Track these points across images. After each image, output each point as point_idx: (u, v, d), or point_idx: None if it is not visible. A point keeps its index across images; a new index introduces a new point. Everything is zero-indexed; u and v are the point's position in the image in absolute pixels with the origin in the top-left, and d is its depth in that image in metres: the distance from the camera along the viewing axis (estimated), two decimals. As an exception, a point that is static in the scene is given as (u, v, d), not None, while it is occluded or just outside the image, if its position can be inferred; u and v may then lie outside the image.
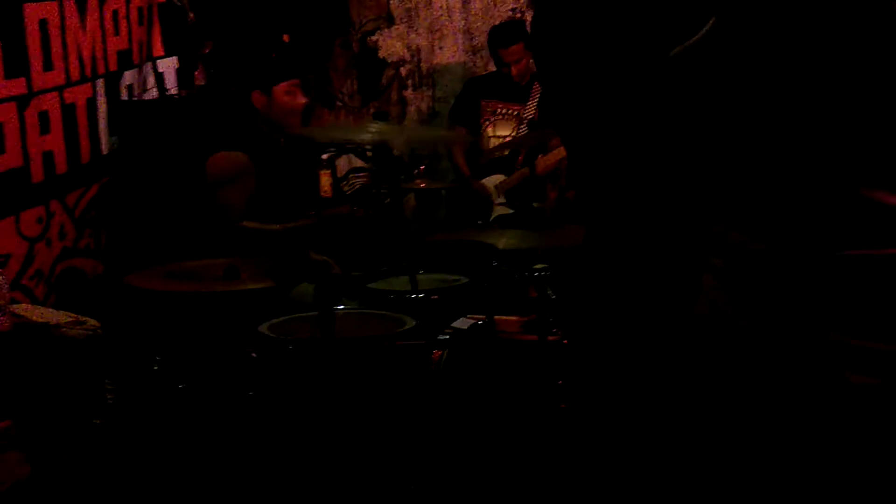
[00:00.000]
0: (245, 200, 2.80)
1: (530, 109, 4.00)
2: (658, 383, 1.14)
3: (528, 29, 4.15)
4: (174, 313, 2.42)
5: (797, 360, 0.82)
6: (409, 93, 4.86)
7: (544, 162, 3.76)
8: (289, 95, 2.94)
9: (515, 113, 4.05)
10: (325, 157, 4.14)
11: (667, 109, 1.07)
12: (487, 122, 4.12)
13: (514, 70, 3.93)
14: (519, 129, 4.03)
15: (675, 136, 1.08)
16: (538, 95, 3.98)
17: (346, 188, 4.28)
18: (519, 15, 4.53)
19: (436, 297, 2.66)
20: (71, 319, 2.42)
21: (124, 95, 3.28)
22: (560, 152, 3.67)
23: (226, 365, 2.22)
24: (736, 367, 0.87)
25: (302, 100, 2.97)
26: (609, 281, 1.18)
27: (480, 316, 2.48)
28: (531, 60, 4.01)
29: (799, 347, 0.82)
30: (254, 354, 2.16)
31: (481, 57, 4.65)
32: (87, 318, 2.44)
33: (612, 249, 1.18)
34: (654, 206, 1.14)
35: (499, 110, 4.08)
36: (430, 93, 4.82)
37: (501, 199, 3.94)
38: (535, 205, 2.97)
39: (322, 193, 4.24)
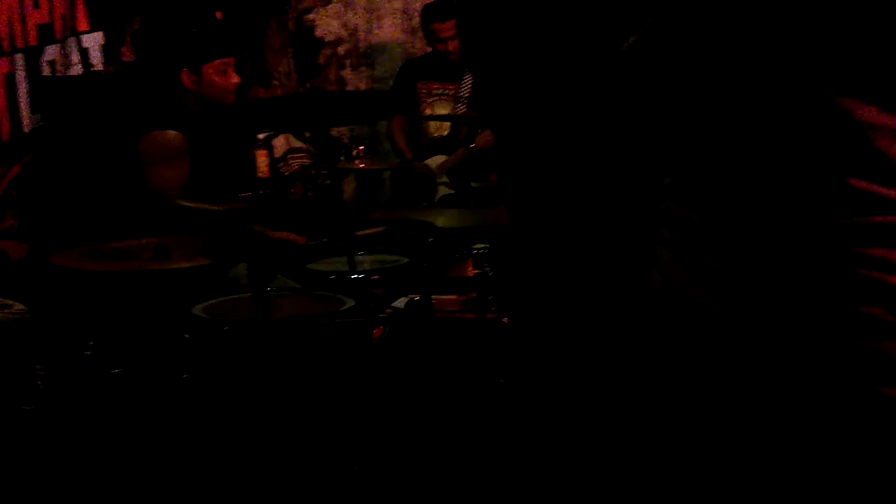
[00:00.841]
0: (180, 181, 2.73)
1: (465, 88, 4.02)
2: (612, 360, 1.15)
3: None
4: (103, 294, 2.35)
5: (756, 332, 0.83)
6: (346, 72, 4.81)
7: (484, 139, 3.79)
8: (220, 75, 2.86)
9: (451, 92, 4.06)
10: (261, 136, 4.07)
11: (607, 94, 1.08)
12: (425, 104, 4.12)
13: (450, 46, 3.94)
14: (456, 107, 4.04)
15: (616, 114, 1.09)
16: (471, 73, 4.00)
17: (283, 169, 4.22)
18: (457, -5, 4.51)
19: (376, 276, 2.65)
20: (-4, 303, 2.33)
21: (46, 72, 3.16)
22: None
23: (159, 348, 2.17)
24: (692, 340, 0.88)
25: (234, 79, 2.89)
26: (551, 260, 1.19)
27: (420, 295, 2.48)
28: None
29: (759, 321, 0.83)
30: (186, 336, 2.11)
31: (420, 37, 4.62)
32: (13, 302, 2.36)
33: (552, 230, 1.19)
34: (593, 186, 1.16)
35: (434, 91, 4.09)
36: (368, 72, 4.78)
37: (444, 179, 3.95)
38: (473, 184, 2.98)
39: (259, 174, 4.17)
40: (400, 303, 2.56)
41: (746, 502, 0.86)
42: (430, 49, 4.19)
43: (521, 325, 1.28)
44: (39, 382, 2.30)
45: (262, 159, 4.19)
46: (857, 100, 0.78)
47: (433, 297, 2.44)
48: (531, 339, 1.23)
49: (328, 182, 3.85)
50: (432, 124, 4.11)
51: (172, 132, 2.75)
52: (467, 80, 4.02)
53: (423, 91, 4.11)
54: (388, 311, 2.47)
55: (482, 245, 2.73)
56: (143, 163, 2.74)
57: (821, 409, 0.81)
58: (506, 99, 1.21)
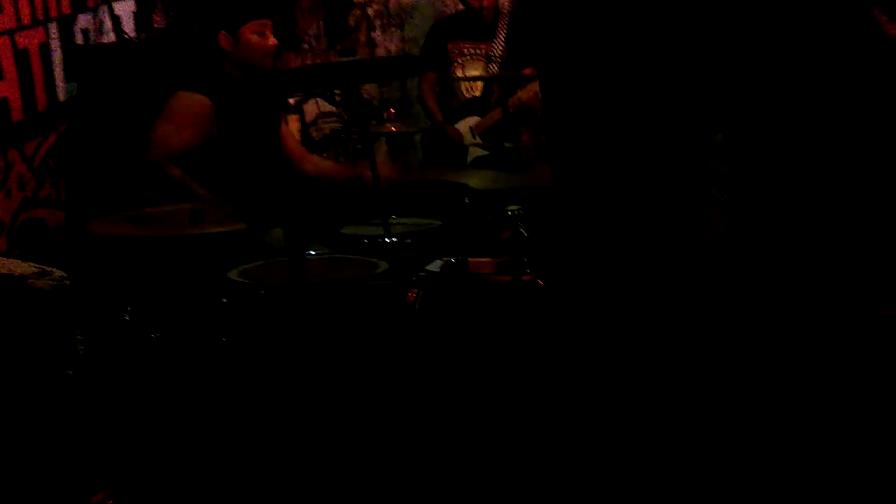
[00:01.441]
0: (179, 145, 2.71)
1: (498, 47, 3.95)
2: (660, 321, 1.13)
3: None
4: (141, 260, 2.37)
5: (803, 289, 0.82)
6: (377, 34, 4.75)
7: (517, 100, 3.72)
8: (258, 37, 2.83)
9: (483, 52, 4.00)
10: (292, 101, 4.05)
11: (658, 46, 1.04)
12: (456, 64, 4.06)
13: (485, 2, 3.87)
14: (488, 67, 3.98)
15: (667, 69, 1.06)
16: (504, 32, 3.94)
17: (314, 133, 4.21)
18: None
19: (409, 240, 2.63)
20: (36, 270, 2.36)
21: (79, 40, 3.16)
22: (532, 89, 3.64)
23: (197, 312, 2.18)
24: (741, 297, 0.87)
25: (272, 41, 2.86)
26: (601, 220, 1.17)
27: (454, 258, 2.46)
28: None
29: (804, 278, 0.81)
30: (224, 300, 2.12)
31: (451, -3, 4.54)
32: (53, 269, 2.38)
33: (602, 191, 1.16)
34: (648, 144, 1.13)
35: (466, 50, 4.03)
36: (399, 34, 4.71)
37: (477, 141, 3.91)
38: (507, 145, 2.93)
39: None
40: (435, 266, 2.55)
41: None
42: (461, 8, 4.11)
43: (567, 288, 1.26)
44: (80, 348, 2.34)
45: (293, 124, 4.18)
46: None
47: (468, 258, 2.42)
48: (577, 302, 1.21)
49: (359, 147, 3.82)
50: (464, 85, 4.06)
51: (199, 96, 2.74)
52: (500, 39, 3.95)
53: (454, 51, 4.04)
54: (422, 273, 2.46)
55: (516, 206, 2.69)
56: (160, 119, 2.73)
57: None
58: (560, 52, 1.18)
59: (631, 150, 1.16)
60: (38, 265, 2.37)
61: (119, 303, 2.33)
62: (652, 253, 1.12)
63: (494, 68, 3.95)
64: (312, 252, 2.47)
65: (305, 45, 4.73)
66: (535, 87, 3.67)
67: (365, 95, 4.57)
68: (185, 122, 2.72)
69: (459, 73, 4.05)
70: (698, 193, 0.96)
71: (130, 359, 2.29)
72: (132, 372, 2.27)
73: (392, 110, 3.83)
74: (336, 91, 4.15)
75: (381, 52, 4.76)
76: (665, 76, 1.08)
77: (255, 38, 2.81)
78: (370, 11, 4.73)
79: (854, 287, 0.80)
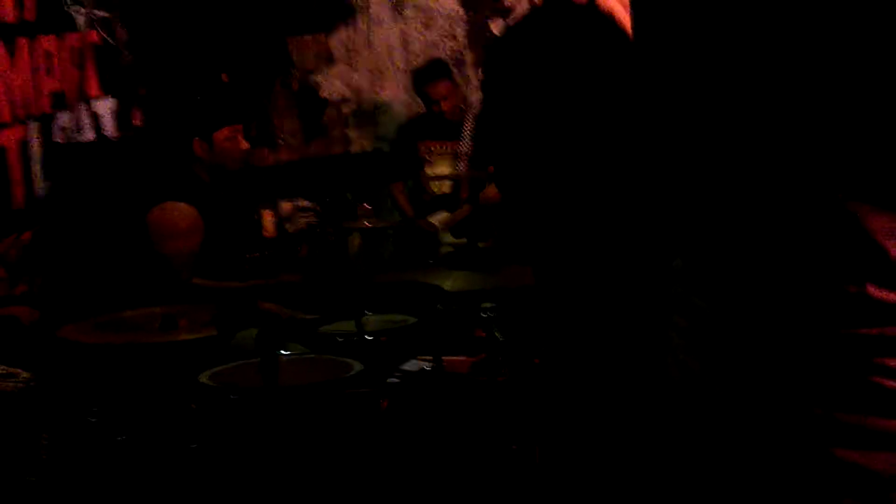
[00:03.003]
0: (190, 253, 2.75)
1: (465, 144, 4.09)
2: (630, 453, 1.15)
3: (455, 66, 4.24)
4: (111, 365, 2.34)
5: (776, 431, 0.83)
6: (351, 131, 4.86)
7: (486, 196, 3.82)
8: (230, 141, 2.91)
9: (450, 150, 4.13)
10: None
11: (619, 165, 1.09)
12: (426, 162, 4.18)
13: (444, 106, 4.02)
14: (456, 164, 4.11)
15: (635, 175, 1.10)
16: (471, 130, 4.09)
17: (289, 228, 4.24)
18: (459, 55, 4.60)
19: (384, 338, 2.63)
20: (2, 372, 2.32)
21: (59, 138, 3.20)
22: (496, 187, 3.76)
23: (166, 417, 2.14)
24: (712, 434, 0.88)
25: (244, 145, 2.94)
26: (570, 335, 1.19)
27: (429, 357, 2.46)
28: (459, 95, 4.12)
29: (777, 419, 0.83)
30: (193, 406, 2.09)
31: (423, 95, 4.69)
32: (20, 370, 2.34)
33: (572, 298, 1.19)
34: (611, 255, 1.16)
35: (434, 149, 4.16)
36: (372, 130, 4.83)
37: (448, 236, 3.98)
38: (480, 245, 2.98)
39: (265, 233, 4.19)
40: (410, 365, 2.54)
41: None
42: (432, 107, 4.25)
43: (548, 392, 1.27)
44: (44, 454, 2.27)
45: (268, 218, 4.21)
46: (868, 205, 0.78)
47: (443, 358, 2.42)
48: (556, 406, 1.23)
49: (333, 239, 3.86)
50: (433, 183, 4.18)
51: (183, 204, 2.77)
52: (466, 136, 4.09)
53: (424, 150, 4.18)
54: (397, 374, 2.45)
55: (489, 304, 2.71)
56: (154, 234, 2.76)
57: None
58: (521, 169, 1.22)
59: (595, 268, 1.19)
60: (4, 366, 2.33)
61: (86, 405, 2.29)
62: (618, 378, 1.14)
63: (462, 165, 4.07)
64: (285, 352, 2.46)
65: (281, 142, 4.82)
66: (494, 186, 3.80)
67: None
68: (186, 231, 2.75)
69: (429, 171, 4.17)
70: (661, 317, 0.98)
71: (95, 463, 2.23)
72: (96, 477, 2.21)
73: (366, 205, 3.89)
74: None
75: (355, 148, 4.86)
76: (622, 202, 1.13)
77: (228, 143, 2.89)
78: (344, 110, 4.86)
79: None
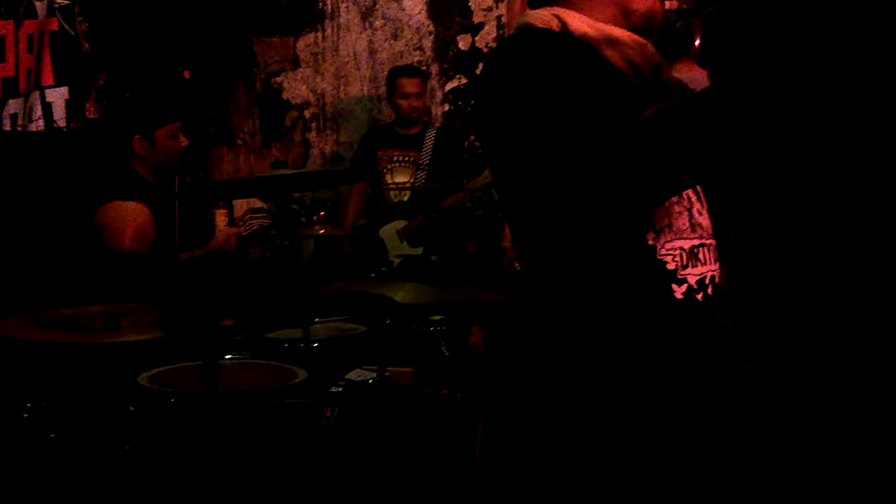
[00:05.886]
0: (149, 248, 2.71)
1: (426, 155, 4.12)
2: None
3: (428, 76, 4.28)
4: (49, 362, 2.28)
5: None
6: (312, 135, 4.84)
7: (444, 205, 3.87)
8: (171, 139, 2.89)
9: (412, 159, 4.15)
10: (222, 196, 4.05)
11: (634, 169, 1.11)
12: (386, 171, 4.19)
13: (412, 103, 4.05)
14: (416, 174, 4.12)
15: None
16: (432, 142, 4.11)
17: (242, 229, 4.19)
18: (425, 67, 4.61)
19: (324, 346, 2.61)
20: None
21: (7, 125, 3.13)
22: (457, 196, 3.82)
23: (102, 417, 2.10)
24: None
25: (184, 142, 2.93)
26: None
27: (374, 367, 2.45)
28: (424, 103, 4.15)
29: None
30: (131, 408, 2.05)
31: (386, 104, 4.69)
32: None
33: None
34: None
35: (395, 157, 4.17)
36: (333, 136, 4.81)
37: (404, 245, 3.98)
38: (433, 258, 2.98)
39: (217, 233, 4.14)
40: (354, 374, 2.53)
41: None
42: (393, 116, 4.26)
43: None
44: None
45: (221, 219, 4.17)
46: None
47: (389, 369, 2.41)
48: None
49: (286, 243, 3.83)
50: (392, 191, 4.19)
51: (133, 202, 2.73)
52: (427, 148, 4.12)
53: (384, 158, 4.18)
54: (341, 384, 2.43)
55: (439, 317, 2.71)
56: (108, 232, 2.70)
57: None
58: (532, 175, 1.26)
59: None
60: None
61: (20, 400, 2.23)
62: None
63: (422, 175, 4.09)
64: (228, 357, 2.43)
65: (239, 142, 4.77)
66: (459, 195, 3.85)
67: (297, 195, 4.61)
68: (139, 223, 2.71)
69: (388, 179, 4.17)
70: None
71: (25, 459, 2.17)
72: (24, 473, 2.15)
73: (322, 213, 3.87)
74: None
75: (315, 153, 4.83)
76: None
77: (168, 141, 2.87)
78: (306, 113, 4.83)
79: None
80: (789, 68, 0.84)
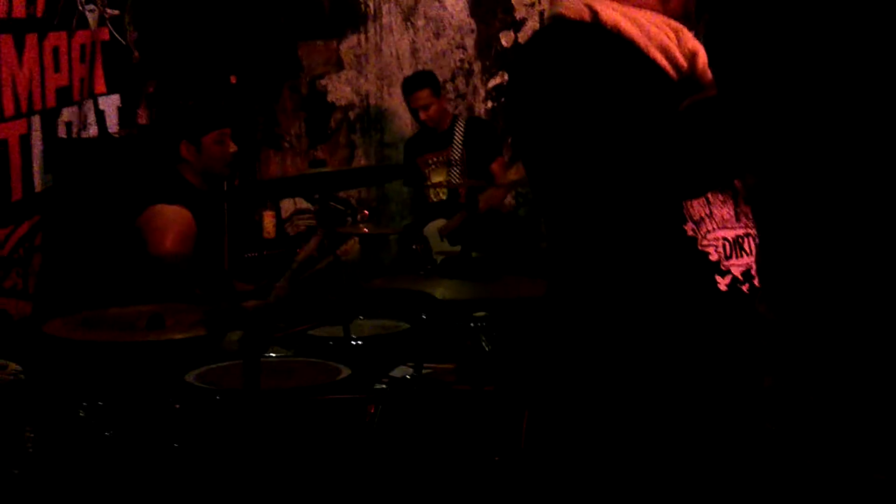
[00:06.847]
0: (187, 255, 2.76)
1: (456, 151, 4.16)
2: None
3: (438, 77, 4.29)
4: (98, 361, 2.34)
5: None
6: (356, 136, 4.88)
7: (484, 201, 3.89)
8: (218, 145, 2.92)
9: (444, 159, 4.19)
10: (269, 197, 4.13)
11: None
12: (427, 174, 4.27)
13: (423, 115, 4.10)
14: (450, 171, 4.18)
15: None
16: (461, 136, 4.14)
17: (290, 229, 4.27)
18: (468, 65, 4.62)
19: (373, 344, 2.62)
20: (-9, 363, 2.33)
21: (63, 132, 3.23)
22: (492, 192, 3.87)
23: (151, 415, 2.15)
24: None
25: (232, 148, 2.96)
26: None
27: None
28: (442, 104, 4.17)
29: None
30: (177, 406, 2.10)
31: (430, 104, 4.71)
32: (8, 362, 2.35)
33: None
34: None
35: (430, 161, 4.22)
36: (378, 137, 4.85)
37: (444, 243, 4.02)
38: (473, 255, 2.98)
39: (265, 234, 4.21)
40: (398, 372, 2.53)
41: None
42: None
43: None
44: (29, 446, 2.28)
45: (268, 220, 4.23)
46: None
47: (430, 365, 2.41)
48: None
49: (327, 244, 3.87)
50: (431, 190, 4.23)
51: (175, 207, 2.78)
52: (457, 143, 4.17)
53: (423, 163, 4.28)
54: (385, 381, 2.44)
55: (481, 314, 2.71)
56: (146, 234, 2.76)
57: None
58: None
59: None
60: (-7, 357, 2.34)
61: (74, 399, 2.29)
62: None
63: (456, 172, 4.14)
64: (273, 355, 2.46)
65: (286, 144, 4.84)
66: (494, 191, 3.88)
67: (342, 195, 4.66)
68: (180, 229, 2.76)
69: (429, 182, 4.25)
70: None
71: (81, 457, 2.23)
72: (81, 471, 2.22)
73: (366, 212, 3.90)
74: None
75: (359, 153, 4.88)
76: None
77: (216, 146, 2.90)
78: (351, 115, 4.88)
79: None
80: (789, 70, 0.83)
